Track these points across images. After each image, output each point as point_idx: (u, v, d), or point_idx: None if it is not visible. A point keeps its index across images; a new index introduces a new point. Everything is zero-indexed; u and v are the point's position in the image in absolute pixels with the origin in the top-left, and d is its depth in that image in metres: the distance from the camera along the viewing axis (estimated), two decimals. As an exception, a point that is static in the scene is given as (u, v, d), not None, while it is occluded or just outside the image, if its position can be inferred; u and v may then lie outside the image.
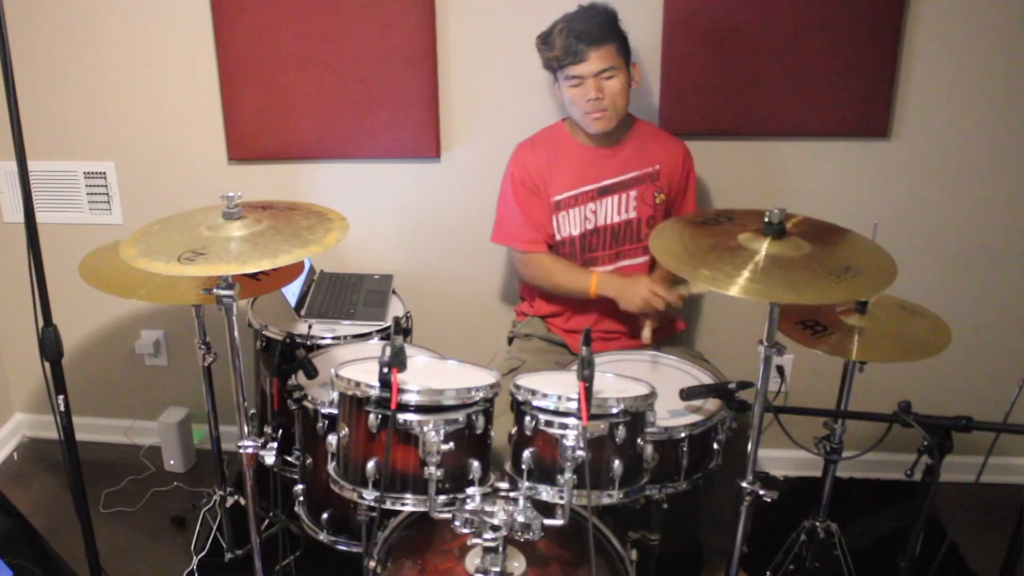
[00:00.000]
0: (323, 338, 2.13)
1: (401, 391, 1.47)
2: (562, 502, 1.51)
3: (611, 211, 2.20)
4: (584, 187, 2.18)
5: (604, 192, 2.19)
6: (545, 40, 2.10)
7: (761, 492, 1.66)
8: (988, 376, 2.59)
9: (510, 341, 2.40)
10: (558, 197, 2.19)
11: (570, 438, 1.48)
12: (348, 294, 2.37)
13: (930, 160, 2.41)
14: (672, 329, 2.34)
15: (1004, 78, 2.32)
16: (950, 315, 1.87)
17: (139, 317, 2.81)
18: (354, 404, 1.54)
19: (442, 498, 1.52)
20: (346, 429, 1.56)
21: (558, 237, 2.22)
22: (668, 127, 2.36)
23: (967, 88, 2.34)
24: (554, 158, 2.19)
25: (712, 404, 1.79)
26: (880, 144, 2.41)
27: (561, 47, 2.04)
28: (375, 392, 1.49)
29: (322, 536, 1.87)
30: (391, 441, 1.49)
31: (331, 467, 1.61)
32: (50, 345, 1.69)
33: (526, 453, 1.55)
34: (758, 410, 1.62)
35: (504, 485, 1.58)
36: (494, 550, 1.51)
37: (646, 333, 2.14)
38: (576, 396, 1.47)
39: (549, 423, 1.52)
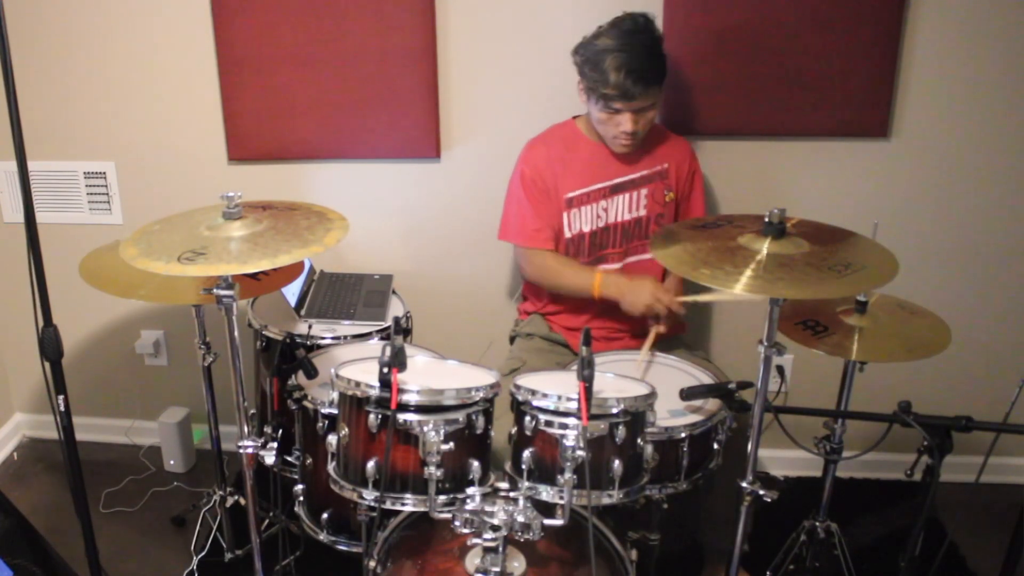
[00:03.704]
0: (323, 338, 2.13)
1: (401, 391, 1.47)
2: (562, 502, 1.50)
3: (622, 209, 2.20)
4: (596, 184, 2.19)
5: (616, 190, 2.19)
6: (594, 67, 1.99)
7: (761, 492, 1.66)
8: (988, 376, 2.59)
9: (511, 340, 2.40)
10: (571, 194, 2.19)
11: (570, 438, 1.48)
12: (348, 294, 2.37)
13: (930, 160, 2.41)
14: (675, 330, 2.34)
15: (1004, 78, 2.31)
16: (950, 315, 1.87)
17: (139, 317, 2.81)
18: (354, 404, 1.54)
19: (442, 498, 1.52)
20: (346, 429, 1.56)
21: (568, 234, 2.21)
22: (668, 127, 2.35)
23: (967, 88, 2.34)
24: (566, 156, 2.20)
25: (712, 404, 1.79)
26: (880, 144, 2.41)
27: (615, 86, 1.96)
28: (375, 392, 1.49)
29: (322, 536, 1.87)
30: (391, 441, 1.49)
31: (331, 467, 1.61)
32: (50, 345, 1.68)
33: (526, 453, 1.55)
34: (758, 410, 1.62)
35: (504, 485, 1.58)
36: (494, 550, 1.51)
37: (645, 346, 2.06)
38: (576, 396, 1.47)
39: (549, 423, 1.52)
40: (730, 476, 1.72)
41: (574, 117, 2.25)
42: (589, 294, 2.16)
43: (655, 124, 2.27)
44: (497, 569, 1.51)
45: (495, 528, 1.49)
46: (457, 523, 1.52)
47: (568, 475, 1.48)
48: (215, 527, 2.35)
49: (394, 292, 2.44)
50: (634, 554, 1.70)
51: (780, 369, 1.69)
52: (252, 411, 1.74)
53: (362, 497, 1.54)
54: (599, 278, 2.14)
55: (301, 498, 1.88)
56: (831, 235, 1.67)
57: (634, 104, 2.01)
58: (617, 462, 1.54)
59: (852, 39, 2.29)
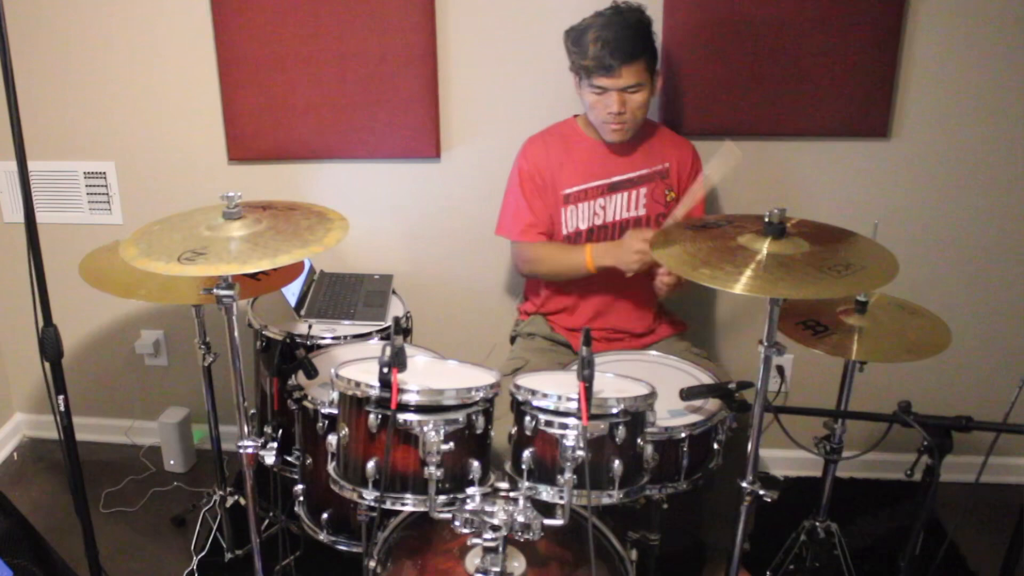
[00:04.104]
0: (323, 338, 2.13)
1: (401, 391, 1.47)
2: (562, 502, 1.51)
3: (620, 207, 2.20)
4: (594, 182, 2.18)
5: (614, 188, 2.19)
6: (576, 42, 2.04)
7: (761, 492, 1.66)
8: (988, 376, 2.59)
9: (512, 340, 2.40)
10: (568, 191, 2.19)
11: (570, 438, 1.48)
12: (348, 294, 2.37)
13: (930, 160, 2.41)
14: (674, 328, 2.34)
15: (1004, 78, 2.32)
16: (950, 315, 1.87)
17: (139, 317, 2.81)
18: (354, 404, 1.54)
19: (442, 498, 1.52)
20: (346, 429, 1.56)
21: (565, 231, 2.21)
22: (668, 127, 2.35)
23: (967, 88, 2.34)
24: (564, 153, 2.20)
25: (712, 404, 1.79)
26: (880, 144, 2.41)
27: (593, 57, 1.99)
28: (375, 392, 1.49)
29: (322, 536, 1.87)
30: (391, 441, 1.49)
31: (331, 467, 1.61)
32: (50, 345, 1.69)
33: (526, 453, 1.55)
34: (758, 410, 1.62)
35: (504, 485, 1.58)
36: (494, 550, 1.51)
37: (660, 283, 2.06)
38: (576, 396, 1.47)
39: (549, 423, 1.52)
40: (730, 476, 1.72)
41: (575, 116, 2.26)
42: (585, 270, 2.12)
43: (657, 124, 2.27)
44: (497, 569, 1.51)
45: (495, 528, 1.49)
46: (457, 523, 1.52)
47: (568, 475, 1.48)
48: (215, 527, 2.35)
49: (394, 292, 2.44)
50: (634, 554, 1.70)
51: (780, 369, 1.69)
52: (252, 411, 1.74)
53: (362, 497, 1.54)
54: (589, 252, 2.12)
55: (301, 498, 1.88)
56: (831, 235, 1.67)
57: (616, 80, 2.00)
58: (617, 462, 1.54)
59: (852, 39, 2.29)
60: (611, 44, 1.98)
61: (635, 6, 2.08)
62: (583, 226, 2.21)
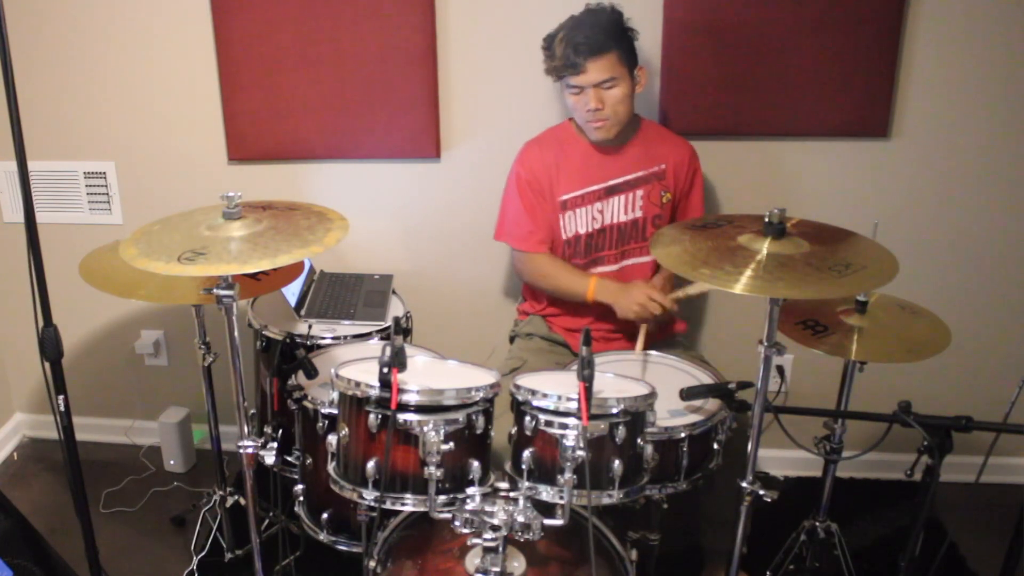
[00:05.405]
0: (323, 338, 2.13)
1: (401, 391, 1.47)
2: (562, 502, 1.51)
3: (617, 210, 2.20)
4: (591, 186, 2.19)
5: (611, 192, 2.19)
6: (548, 46, 2.09)
7: (761, 492, 1.66)
8: (988, 376, 2.59)
9: (511, 340, 2.40)
10: (565, 196, 2.19)
11: (570, 438, 1.48)
12: (348, 294, 2.37)
13: (930, 160, 2.41)
14: (672, 330, 2.34)
15: (1004, 78, 2.32)
16: (950, 315, 1.87)
17: (139, 317, 2.81)
18: (354, 404, 1.54)
19: (442, 498, 1.52)
20: (346, 429, 1.56)
21: (564, 236, 2.22)
22: (668, 127, 2.36)
23: (967, 88, 2.34)
24: (561, 158, 2.20)
25: (712, 404, 1.79)
26: (880, 144, 2.41)
27: (560, 57, 2.03)
28: (375, 392, 1.49)
29: (322, 536, 1.87)
30: (391, 441, 1.49)
31: (331, 467, 1.61)
32: (50, 345, 1.69)
33: (526, 453, 1.55)
34: (758, 410, 1.62)
35: (504, 485, 1.58)
36: (494, 550, 1.51)
37: (639, 344, 2.09)
38: (576, 396, 1.47)
39: (549, 423, 1.52)
40: (730, 476, 1.72)
41: (569, 119, 2.25)
42: (583, 299, 2.16)
43: (654, 124, 2.27)
44: (497, 569, 1.51)
45: (495, 528, 1.49)
46: (457, 523, 1.52)
47: (568, 475, 1.48)
48: (215, 527, 2.35)
49: (394, 292, 2.44)
50: (634, 554, 1.70)
51: (780, 369, 1.69)
52: (252, 411, 1.74)
53: (362, 497, 1.54)
54: (593, 284, 2.14)
55: (301, 498, 1.88)
56: (831, 235, 1.67)
57: (586, 76, 2.02)
58: (617, 462, 1.54)
59: (852, 39, 2.29)
60: (574, 42, 2.01)
61: (606, 6, 2.11)
62: (582, 231, 2.21)
